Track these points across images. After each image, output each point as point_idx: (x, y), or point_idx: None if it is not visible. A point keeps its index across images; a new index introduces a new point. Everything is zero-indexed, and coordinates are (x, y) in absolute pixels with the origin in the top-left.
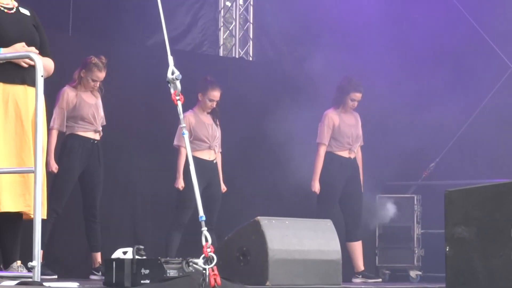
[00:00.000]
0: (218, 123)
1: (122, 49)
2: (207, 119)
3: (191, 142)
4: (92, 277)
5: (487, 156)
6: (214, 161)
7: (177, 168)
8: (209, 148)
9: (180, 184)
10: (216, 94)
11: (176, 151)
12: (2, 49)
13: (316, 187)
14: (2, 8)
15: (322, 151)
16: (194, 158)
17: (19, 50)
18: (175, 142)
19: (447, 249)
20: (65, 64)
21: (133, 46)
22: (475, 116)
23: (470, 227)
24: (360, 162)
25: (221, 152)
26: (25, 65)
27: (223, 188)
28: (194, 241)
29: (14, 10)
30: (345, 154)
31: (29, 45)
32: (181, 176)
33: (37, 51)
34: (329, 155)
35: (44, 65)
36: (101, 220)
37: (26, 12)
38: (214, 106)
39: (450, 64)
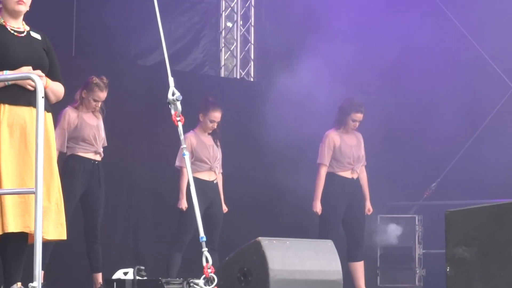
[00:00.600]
0: (219, 144)
1: (124, 69)
2: (208, 140)
3: (192, 163)
4: None
5: (488, 176)
6: (215, 182)
7: (179, 188)
8: (210, 169)
9: (184, 204)
10: (217, 115)
11: (178, 172)
12: (7, 71)
13: (318, 207)
14: (12, 32)
15: (323, 171)
16: (195, 179)
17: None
18: (177, 163)
19: (448, 270)
20: (68, 85)
21: (135, 67)
22: (477, 136)
23: (471, 248)
24: (365, 182)
25: (222, 173)
26: (31, 88)
27: (225, 208)
28: (195, 262)
29: (25, 33)
30: (347, 174)
31: (36, 68)
32: (184, 196)
33: (43, 74)
34: (331, 175)
35: (53, 90)
36: (103, 241)
37: (37, 36)
38: (215, 127)
39: (451, 85)
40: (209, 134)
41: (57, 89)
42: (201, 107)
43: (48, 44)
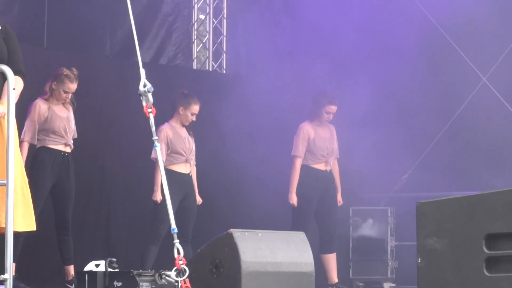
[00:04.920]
0: (193, 136)
1: (95, 62)
2: (183, 132)
3: (168, 155)
4: None
5: (459, 168)
6: (190, 174)
7: (154, 181)
8: (186, 161)
9: (158, 196)
10: (198, 108)
11: (151, 164)
12: None
13: (294, 199)
14: None
15: (298, 163)
16: (171, 171)
17: None
18: (153, 155)
19: (419, 261)
20: (39, 76)
21: (106, 59)
22: (447, 127)
23: (442, 239)
24: (337, 174)
25: (196, 165)
26: None
27: (199, 200)
28: (171, 254)
29: None
30: (321, 167)
31: None
32: (158, 188)
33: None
34: (305, 168)
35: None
36: (74, 233)
37: None
38: (194, 119)
39: (423, 76)
40: (183, 126)
41: (17, 87)
42: (179, 100)
43: (7, 31)
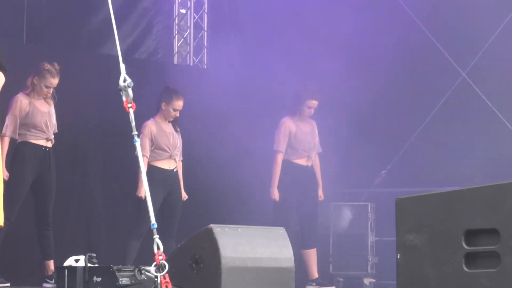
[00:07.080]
0: (179, 131)
1: (76, 57)
2: (169, 128)
3: (152, 151)
4: (45, 285)
5: (438, 164)
6: (175, 170)
7: (138, 177)
8: (170, 157)
9: (142, 193)
10: (180, 104)
11: (137, 160)
12: None
13: (275, 194)
14: None
15: (279, 158)
16: (155, 167)
17: None
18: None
19: (399, 256)
20: (19, 71)
21: (87, 54)
22: (427, 123)
23: (421, 235)
24: (319, 170)
25: (182, 161)
26: None
27: (184, 196)
28: (152, 249)
29: None
30: (302, 162)
31: None
32: (143, 185)
33: None
34: (286, 163)
35: None
36: (55, 228)
37: None
38: (177, 115)
39: (403, 72)
40: (169, 122)
41: None
42: (162, 96)
43: None
